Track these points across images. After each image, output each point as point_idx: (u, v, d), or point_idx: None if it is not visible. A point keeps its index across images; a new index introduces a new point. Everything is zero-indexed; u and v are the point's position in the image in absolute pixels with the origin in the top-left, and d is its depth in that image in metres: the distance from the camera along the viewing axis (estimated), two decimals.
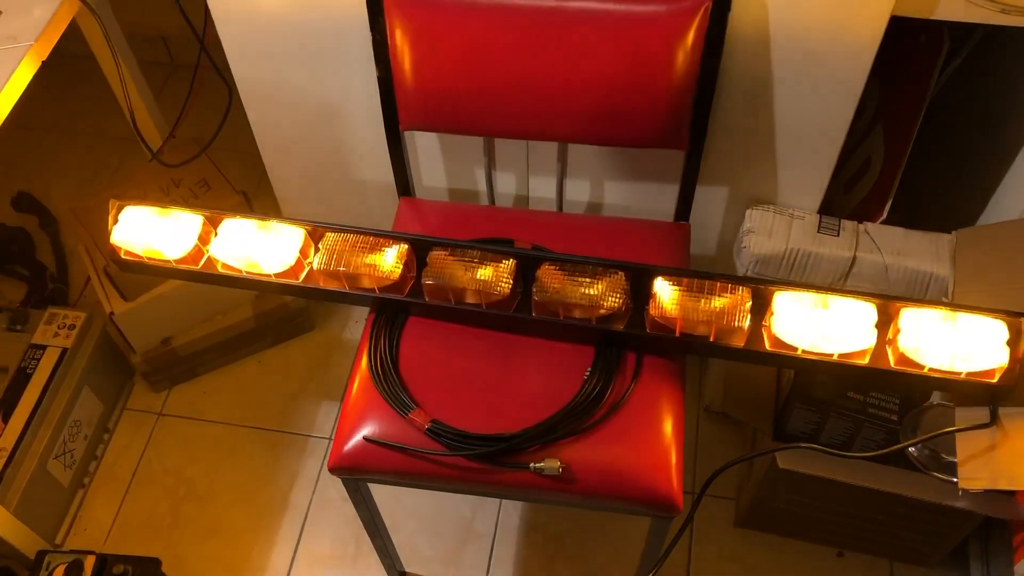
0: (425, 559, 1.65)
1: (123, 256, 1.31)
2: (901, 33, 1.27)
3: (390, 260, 1.24)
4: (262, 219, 1.27)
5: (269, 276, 1.28)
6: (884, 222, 1.48)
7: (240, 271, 1.28)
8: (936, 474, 1.35)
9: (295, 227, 1.27)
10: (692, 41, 1.19)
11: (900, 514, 1.42)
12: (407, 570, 1.61)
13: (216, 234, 1.28)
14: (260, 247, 1.26)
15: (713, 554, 1.63)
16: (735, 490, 1.68)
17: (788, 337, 1.15)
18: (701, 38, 1.19)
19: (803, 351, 1.15)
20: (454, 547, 1.66)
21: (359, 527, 1.54)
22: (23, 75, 1.23)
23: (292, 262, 1.26)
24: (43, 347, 1.69)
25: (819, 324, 1.14)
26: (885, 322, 1.15)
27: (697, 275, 1.19)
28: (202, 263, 1.29)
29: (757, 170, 1.45)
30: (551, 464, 1.14)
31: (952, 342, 1.12)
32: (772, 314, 1.16)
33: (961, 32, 1.55)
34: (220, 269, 1.29)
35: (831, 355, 1.15)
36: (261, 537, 1.69)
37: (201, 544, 1.68)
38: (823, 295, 1.16)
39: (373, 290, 1.25)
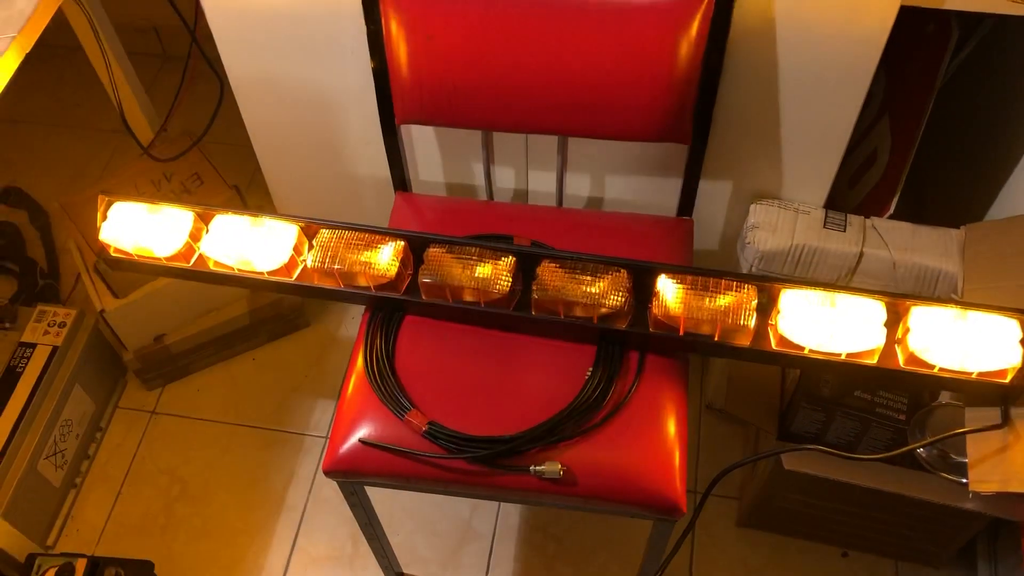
0: (423, 560, 1.62)
1: (112, 253, 1.28)
2: (908, 23, 1.24)
3: (386, 257, 1.21)
4: (255, 215, 1.25)
5: (262, 274, 1.25)
6: (891, 216, 1.46)
7: (232, 269, 1.25)
8: (944, 475, 1.33)
9: (289, 223, 1.24)
10: (696, 31, 1.16)
11: (907, 514, 1.40)
12: (405, 571, 1.59)
13: (207, 231, 1.25)
14: (253, 244, 1.23)
15: (715, 554, 1.61)
16: (738, 490, 1.66)
17: (795, 336, 1.13)
18: (705, 28, 1.16)
19: (810, 350, 1.13)
20: (452, 548, 1.63)
21: (356, 527, 1.51)
22: (6, 67, 1.19)
23: (286, 259, 1.23)
24: (33, 345, 1.66)
25: (826, 323, 1.12)
26: (894, 321, 1.13)
27: (701, 272, 1.16)
28: (193, 260, 1.26)
29: (762, 164, 1.42)
30: (552, 467, 1.11)
31: (963, 341, 1.10)
32: (778, 312, 1.14)
33: (969, 22, 1.52)
34: (212, 267, 1.26)
35: (839, 354, 1.12)
36: (256, 538, 1.66)
37: (195, 545, 1.66)
38: (830, 293, 1.13)
39: (369, 288, 1.22)
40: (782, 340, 1.14)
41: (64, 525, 1.69)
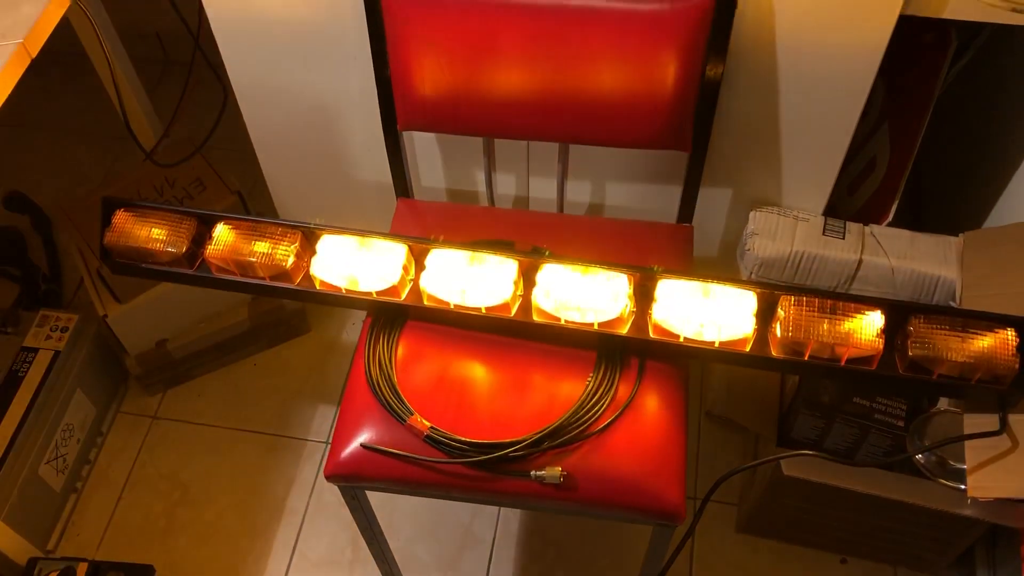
0: (423, 565, 1.62)
1: (115, 258, 1.29)
2: (907, 31, 1.25)
3: (387, 262, 1.21)
4: (257, 221, 1.25)
5: (264, 279, 1.25)
6: (890, 224, 1.46)
7: (235, 274, 1.26)
8: (943, 481, 1.33)
9: (291, 229, 1.24)
10: (696, 40, 1.17)
11: (906, 521, 1.40)
12: None
13: (211, 237, 1.26)
14: (255, 249, 1.23)
15: (715, 560, 1.61)
16: (737, 496, 1.66)
17: (795, 343, 1.13)
18: (706, 37, 1.17)
19: (810, 357, 1.13)
20: (452, 553, 1.63)
21: (356, 532, 1.52)
22: (12, 73, 1.20)
23: (288, 265, 1.23)
24: (35, 350, 1.67)
25: (826, 330, 1.12)
26: (893, 328, 1.13)
27: (702, 279, 1.17)
28: (197, 266, 1.27)
29: (761, 171, 1.43)
30: (552, 472, 1.12)
31: (961, 348, 1.10)
32: (778, 319, 1.14)
33: (969, 31, 1.53)
34: (215, 273, 1.26)
35: (839, 361, 1.13)
36: (257, 543, 1.66)
37: (196, 550, 1.66)
38: (830, 300, 1.14)
39: (370, 294, 1.23)
40: (782, 347, 1.14)
41: (65, 529, 1.69)
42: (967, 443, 1.19)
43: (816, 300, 1.13)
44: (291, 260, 1.23)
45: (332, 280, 1.24)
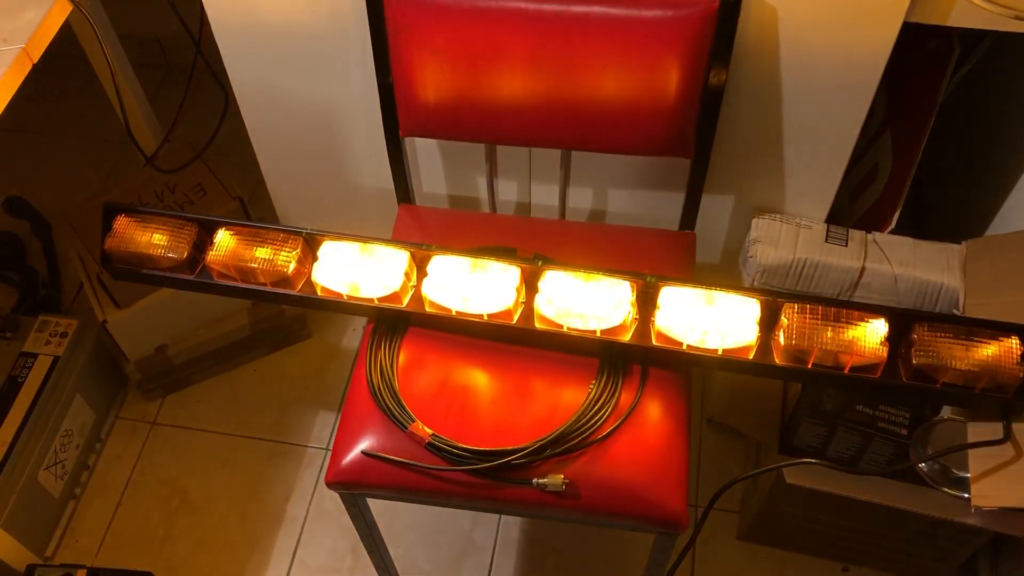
0: (423, 573, 1.62)
1: (116, 264, 1.28)
2: (910, 39, 1.25)
3: (388, 269, 1.21)
4: (258, 227, 1.25)
5: (266, 285, 1.25)
6: (893, 231, 1.46)
7: (236, 279, 1.25)
8: (946, 490, 1.33)
9: (292, 235, 1.24)
10: (699, 47, 1.17)
11: (908, 529, 1.40)
12: None
13: (212, 242, 1.25)
14: (257, 255, 1.23)
15: (716, 568, 1.61)
16: (739, 504, 1.66)
17: (798, 350, 1.13)
18: (709, 44, 1.17)
19: (813, 365, 1.13)
20: (453, 560, 1.63)
21: (356, 540, 1.51)
22: (14, 78, 1.20)
23: (290, 271, 1.23)
24: (34, 355, 1.66)
25: (830, 338, 1.12)
26: (897, 335, 1.13)
27: (704, 286, 1.16)
28: (197, 272, 1.26)
29: (764, 178, 1.43)
30: (554, 480, 1.11)
31: (965, 356, 1.10)
32: (782, 327, 1.14)
33: (971, 39, 1.53)
34: (215, 278, 1.26)
35: (842, 369, 1.13)
36: (256, 550, 1.65)
37: (195, 556, 1.65)
38: (834, 308, 1.13)
39: (372, 300, 1.23)
40: (785, 355, 1.14)
41: (64, 536, 1.68)
42: (971, 452, 1.19)
43: (819, 308, 1.13)
44: (292, 266, 1.22)
45: (333, 286, 1.23)
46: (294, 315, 1.85)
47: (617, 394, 1.18)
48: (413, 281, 1.23)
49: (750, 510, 1.56)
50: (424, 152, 1.52)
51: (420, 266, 1.23)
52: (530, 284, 1.20)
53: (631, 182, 1.50)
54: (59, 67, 1.77)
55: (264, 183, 1.66)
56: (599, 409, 1.16)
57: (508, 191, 1.56)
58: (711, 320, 1.15)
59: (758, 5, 1.19)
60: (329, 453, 1.20)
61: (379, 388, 1.20)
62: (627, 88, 1.21)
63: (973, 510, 1.26)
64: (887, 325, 1.12)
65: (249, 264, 1.23)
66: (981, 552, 1.48)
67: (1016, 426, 1.15)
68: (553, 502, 1.13)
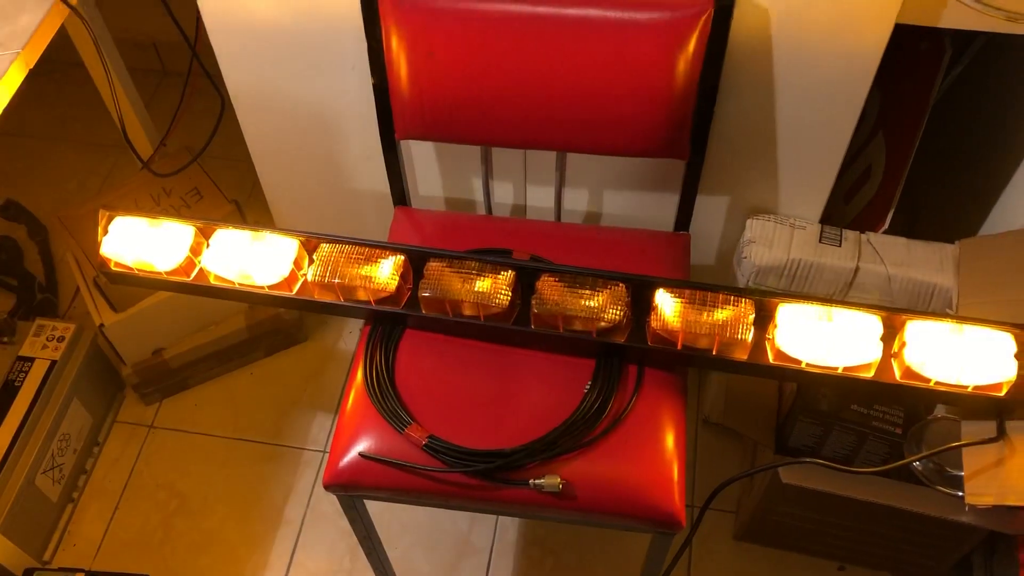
0: (421, 574, 1.62)
1: (113, 267, 1.29)
2: (902, 40, 1.26)
3: (386, 272, 1.22)
4: (255, 230, 1.25)
5: (262, 288, 1.25)
6: (886, 232, 1.47)
7: (233, 283, 1.26)
8: (940, 488, 1.33)
9: (289, 238, 1.25)
10: (693, 50, 1.18)
11: (903, 528, 1.41)
12: None
13: (208, 245, 1.26)
14: (253, 258, 1.24)
15: (712, 568, 1.61)
16: (735, 503, 1.66)
17: (792, 350, 1.14)
18: (702, 46, 1.18)
19: (807, 364, 1.14)
20: (451, 562, 1.63)
21: (354, 542, 1.51)
22: (10, 82, 1.20)
23: (286, 274, 1.23)
24: (31, 359, 1.66)
25: (823, 337, 1.13)
26: (890, 335, 1.13)
27: (699, 287, 1.17)
28: (194, 275, 1.27)
29: (758, 179, 1.43)
30: (551, 480, 1.12)
31: (958, 355, 1.10)
32: (775, 327, 1.14)
33: (963, 39, 1.54)
34: (212, 281, 1.26)
35: (836, 368, 1.13)
36: (254, 553, 1.66)
37: (193, 560, 1.65)
38: (827, 307, 1.14)
39: (369, 302, 1.23)
40: (779, 354, 1.15)
41: (61, 540, 1.68)
42: (964, 450, 1.19)
43: (812, 308, 1.14)
44: (288, 269, 1.23)
45: (224, 274, 1.24)
46: (291, 318, 1.85)
47: (613, 395, 1.18)
48: (409, 283, 1.23)
49: (746, 510, 1.57)
50: (420, 155, 1.53)
51: (417, 268, 1.23)
52: (526, 285, 1.21)
53: (626, 184, 1.50)
54: (55, 72, 1.78)
55: (260, 186, 1.67)
56: (595, 410, 1.16)
57: (504, 193, 1.56)
58: (705, 320, 1.16)
59: (751, 7, 1.19)
60: (326, 455, 1.20)
61: (376, 390, 1.20)
62: (621, 90, 1.22)
63: (967, 508, 1.27)
64: (880, 325, 1.13)
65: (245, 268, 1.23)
66: (976, 550, 1.48)
67: (1009, 424, 1.15)
68: (550, 502, 1.13)
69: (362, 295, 1.22)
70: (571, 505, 1.13)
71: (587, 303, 1.17)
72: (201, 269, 1.26)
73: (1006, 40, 1.26)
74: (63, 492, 1.70)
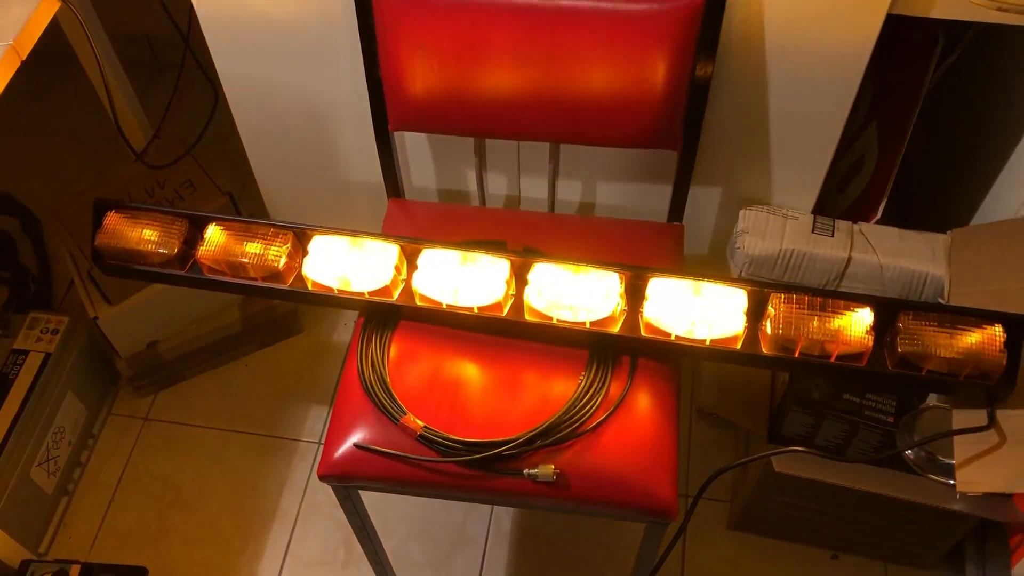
0: (416, 565, 1.63)
1: (106, 260, 1.29)
2: (895, 31, 1.26)
3: (379, 263, 1.22)
4: (248, 222, 1.25)
5: (256, 280, 1.25)
6: (879, 222, 1.47)
7: (227, 275, 1.26)
8: (932, 476, 1.34)
9: (282, 230, 1.25)
10: (686, 40, 1.18)
11: (896, 516, 1.41)
12: None
13: (203, 238, 1.26)
14: (247, 250, 1.24)
15: (707, 557, 1.62)
16: (728, 492, 1.67)
17: (785, 340, 1.14)
18: (695, 37, 1.18)
19: (800, 354, 1.14)
20: (446, 552, 1.64)
21: (349, 533, 1.52)
22: (2, 75, 1.20)
23: (280, 266, 1.24)
24: (25, 352, 1.66)
25: (816, 327, 1.13)
26: (882, 324, 1.14)
27: (692, 278, 1.17)
28: (188, 267, 1.27)
29: (751, 170, 1.44)
30: (545, 470, 1.12)
31: (950, 345, 1.11)
32: (769, 317, 1.15)
33: (955, 30, 1.54)
34: (206, 274, 1.26)
35: (829, 358, 1.14)
36: (250, 544, 1.66)
37: (188, 551, 1.66)
38: (820, 298, 1.15)
39: (363, 294, 1.23)
40: (772, 344, 1.15)
41: (57, 532, 1.68)
42: (956, 439, 1.20)
43: (806, 297, 1.14)
44: (283, 261, 1.23)
45: (324, 280, 1.24)
46: (285, 310, 1.85)
47: (607, 385, 1.18)
48: (403, 275, 1.24)
49: (739, 499, 1.58)
50: (414, 146, 1.53)
51: (410, 259, 1.24)
52: (520, 277, 1.21)
53: (619, 175, 1.51)
54: (48, 64, 1.77)
55: (254, 178, 1.67)
56: (589, 400, 1.17)
57: (497, 184, 1.56)
58: (699, 311, 1.16)
59: None
60: (321, 447, 1.20)
61: (370, 381, 1.21)
62: (614, 81, 1.22)
63: (958, 496, 1.27)
64: (873, 314, 1.13)
65: (239, 259, 1.23)
66: (967, 538, 1.50)
67: (1000, 413, 1.16)
68: (544, 492, 1.14)
69: (355, 287, 1.23)
70: (565, 494, 1.14)
71: (581, 294, 1.18)
72: (195, 262, 1.26)
73: (998, 31, 1.26)
74: (58, 485, 1.70)
